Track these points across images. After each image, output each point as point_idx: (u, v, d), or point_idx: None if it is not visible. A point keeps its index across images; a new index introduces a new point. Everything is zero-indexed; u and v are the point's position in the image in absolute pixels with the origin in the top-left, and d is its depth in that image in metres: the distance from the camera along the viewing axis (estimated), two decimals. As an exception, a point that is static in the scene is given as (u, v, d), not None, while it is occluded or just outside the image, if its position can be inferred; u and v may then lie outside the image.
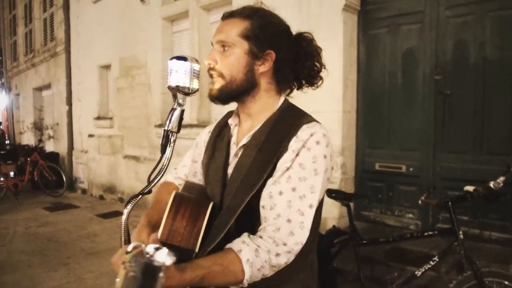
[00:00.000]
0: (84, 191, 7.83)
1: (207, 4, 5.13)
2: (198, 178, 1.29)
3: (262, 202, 1.01)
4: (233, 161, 1.13)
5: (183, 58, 0.98)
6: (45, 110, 9.99)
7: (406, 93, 3.66)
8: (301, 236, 0.97)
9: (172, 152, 1.01)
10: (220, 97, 1.10)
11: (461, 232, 2.26)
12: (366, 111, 3.92)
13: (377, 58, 3.84)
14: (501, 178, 2.24)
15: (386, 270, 2.91)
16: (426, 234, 2.48)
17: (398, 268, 2.90)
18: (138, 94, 6.27)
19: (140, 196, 0.99)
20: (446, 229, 2.44)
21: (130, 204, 1.00)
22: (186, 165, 1.35)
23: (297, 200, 0.98)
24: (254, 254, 0.92)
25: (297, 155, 1.01)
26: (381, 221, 3.85)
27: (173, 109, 1.01)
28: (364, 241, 2.67)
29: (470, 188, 2.31)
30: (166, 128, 1.01)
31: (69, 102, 8.10)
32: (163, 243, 0.99)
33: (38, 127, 9.72)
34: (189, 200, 1.08)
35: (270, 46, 1.07)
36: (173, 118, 1.01)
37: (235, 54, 1.06)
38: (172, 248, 0.97)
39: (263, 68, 1.08)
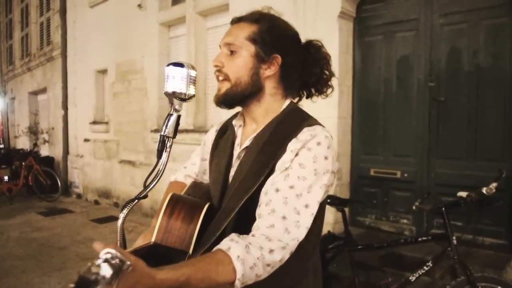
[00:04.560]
0: (79, 196, 7.79)
1: (204, 10, 5.16)
2: (208, 176, 1.26)
3: (259, 201, 0.98)
4: (235, 164, 1.12)
5: (180, 65, 1.00)
6: (40, 114, 9.94)
7: (400, 100, 3.69)
8: (298, 233, 0.92)
9: (168, 157, 1.02)
10: (225, 101, 1.09)
11: (454, 238, 2.28)
12: (361, 117, 3.94)
13: (372, 65, 3.87)
14: (494, 184, 2.26)
15: (381, 275, 2.92)
16: (420, 239, 2.50)
17: (393, 273, 2.92)
18: (134, 99, 6.27)
19: (136, 201, 1.00)
20: (439, 235, 2.46)
21: (126, 209, 1.01)
22: (196, 164, 1.33)
23: (294, 198, 0.94)
24: (244, 251, 0.85)
25: (296, 155, 0.98)
26: (376, 227, 3.87)
27: (169, 115, 1.03)
28: (359, 247, 2.68)
29: (463, 194, 2.33)
30: (162, 133, 1.02)
31: (65, 106, 8.09)
32: (158, 244, 0.99)
33: (33, 131, 9.66)
34: (184, 201, 1.07)
35: (276, 50, 1.07)
36: (169, 124, 1.02)
37: (241, 57, 1.06)
38: (166, 250, 0.98)
39: (269, 72, 1.08)
